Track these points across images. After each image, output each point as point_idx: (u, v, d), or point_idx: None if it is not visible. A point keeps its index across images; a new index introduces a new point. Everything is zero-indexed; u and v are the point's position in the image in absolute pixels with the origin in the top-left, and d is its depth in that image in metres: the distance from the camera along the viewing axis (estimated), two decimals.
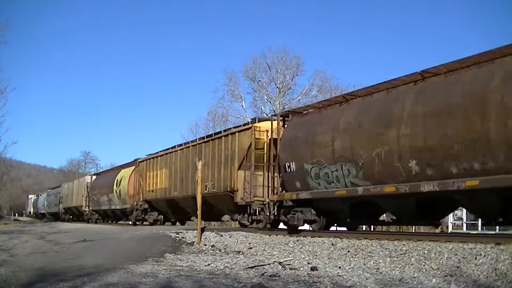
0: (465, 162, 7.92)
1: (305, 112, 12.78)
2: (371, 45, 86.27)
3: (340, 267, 7.59)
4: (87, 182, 32.98)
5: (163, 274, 6.89)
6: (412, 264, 7.37)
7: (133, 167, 24.42)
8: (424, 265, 7.20)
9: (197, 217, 12.71)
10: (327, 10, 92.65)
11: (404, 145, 8.98)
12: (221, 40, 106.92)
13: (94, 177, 33.84)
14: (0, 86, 35.46)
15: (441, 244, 8.04)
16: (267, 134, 13.82)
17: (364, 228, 19.35)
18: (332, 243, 9.86)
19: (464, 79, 8.28)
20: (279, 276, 6.80)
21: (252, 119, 14.61)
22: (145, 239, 12.15)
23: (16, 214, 77.43)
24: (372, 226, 19.63)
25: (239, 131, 14.80)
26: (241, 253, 10.53)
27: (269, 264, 8.11)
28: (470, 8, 77.77)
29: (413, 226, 23.25)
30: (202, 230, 12.57)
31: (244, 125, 15.51)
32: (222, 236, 12.61)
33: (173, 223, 22.19)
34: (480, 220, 17.84)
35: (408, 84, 9.46)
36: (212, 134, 17.34)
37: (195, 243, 11.62)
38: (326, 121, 11.31)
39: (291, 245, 10.49)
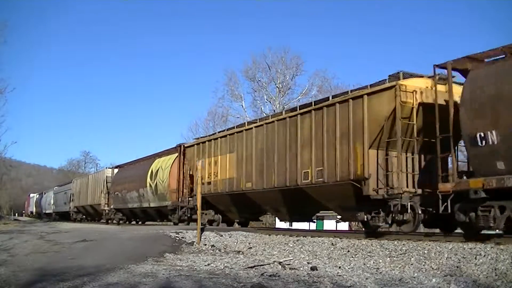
0: None
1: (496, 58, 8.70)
2: (371, 45, 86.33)
3: (340, 267, 7.59)
4: (106, 177, 28.60)
5: (163, 274, 6.89)
6: (412, 264, 7.37)
7: (175, 154, 19.82)
8: (424, 265, 7.20)
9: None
10: (327, 10, 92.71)
11: None
12: (221, 40, 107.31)
13: (115, 170, 28.76)
14: (0, 86, 35.43)
15: (441, 244, 8.05)
16: (414, 97, 9.97)
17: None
18: (332, 243, 9.86)
19: None
20: (279, 276, 6.80)
21: (390, 75, 10.57)
22: (145, 239, 12.14)
23: (16, 214, 77.37)
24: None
25: (369, 94, 10.48)
26: (241, 253, 10.53)
27: (269, 264, 8.11)
28: (471, 7, 77.76)
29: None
30: (202, 230, 12.56)
31: (375, 84, 10.82)
32: (222, 236, 12.61)
33: (230, 224, 17.57)
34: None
35: None
36: (312, 103, 12.61)
37: (195, 243, 11.62)
38: None
39: (291, 245, 10.49)
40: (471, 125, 8.35)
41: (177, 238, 12.18)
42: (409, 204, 9.59)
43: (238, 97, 40.77)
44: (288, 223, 21.08)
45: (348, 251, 9.02)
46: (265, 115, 35.06)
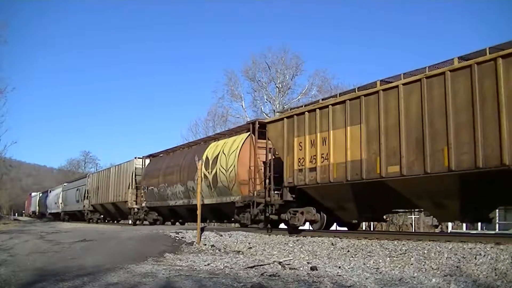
0: None
1: None
2: (371, 45, 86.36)
3: (340, 267, 7.59)
4: (135, 168, 23.74)
5: (163, 274, 6.89)
6: (412, 264, 7.37)
7: (244, 135, 15.23)
8: (424, 265, 7.20)
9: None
10: (327, 10, 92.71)
11: None
12: (221, 40, 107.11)
13: (147, 160, 23.68)
14: (0, 86, 35.42)
15: (441, 244, 8.05)
16: None
17: (364, 228, 19.36)
18: (332, 243, 9.86)
19: None
20: (279, 275, 6.80)
21: None
22: (144, 239, 12.15)
23: (16, 214, 77.38)
24: (372, 226, 19.65)
25: None
26: (240, 252, 10.53)
27: (269, 264, 8.12)
28: (470, 7, 77.76)
29: (413, 226, 23.26)
30: (202, 230, 12.57)
31: None
32: (221, 236, 12.62)
33: (348, 225, 13.68)
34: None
35: None
36: None
37: (194, 243, 11.63)
38: None
39: (291, 245, 10.49)
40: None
41: (177, 238, 12.19)
42: None
43: (238, 97, 40.82)
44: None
45: (348, 251, 9.02)
46: (265, 115, 35.15)
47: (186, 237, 12.37)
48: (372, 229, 20.83)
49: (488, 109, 8.04)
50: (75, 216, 37.84)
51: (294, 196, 12.34)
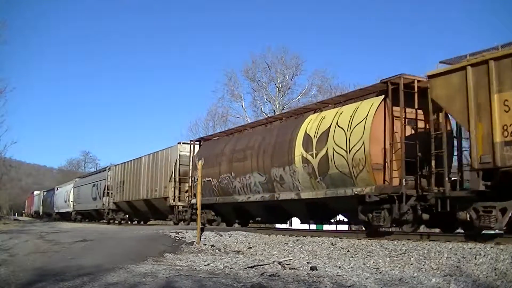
0: None
1: None
2: (371, 45, 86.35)
3: (339, 267, 7.59)
4: (180, 156, 19.09)
5: (163, 274, 6.89)
6: (411, 264, 7.37)
7: (376, 99, 10.90)
8: (423, 265, 7.21)
9: None
10: (327, 10, 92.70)
11: None
12: (221, 40, 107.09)
13: (196, 146, 18.48)
14: (0, 86, 35.36)
15: (441, 244, 8.05)
16: None
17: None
18: (332, 243, 9.86)
19: None
20: (278, 275, 6.80)
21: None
22: (144, 239, 12.14)
23: (16, 214, 77.34)
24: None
25: None
26: (240, 252, 10.53)
27: (269, 264, 8.12)
28: (471, 7, 77.74)
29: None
30: (202, 229, 12.56)
31: None
32: (221, 236, 12.61)
33: None
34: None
35: None
36: None
37: (194, 243, 11.62)
38: None
39: (291, 245, 10.49)
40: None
41: (177, 238, 12.18)
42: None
43: (237, 97, 40.78)
44: None
45: (348, 251, 9.02)
46: (265, 115, 35.10)
47: (186, 237, 12.37)
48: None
49: None
50: (90, 216, 34.19)
51: (489, 183, 8.18)
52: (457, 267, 6.76)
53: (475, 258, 6.85)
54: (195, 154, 18.03)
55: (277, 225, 20.35)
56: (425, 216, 10.17)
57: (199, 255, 10.02)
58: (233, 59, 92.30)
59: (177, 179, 19.20)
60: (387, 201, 10.13)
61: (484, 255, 6.88)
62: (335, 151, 11.23)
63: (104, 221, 30.59)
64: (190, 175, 17.95)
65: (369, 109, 10.77)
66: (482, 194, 8.26)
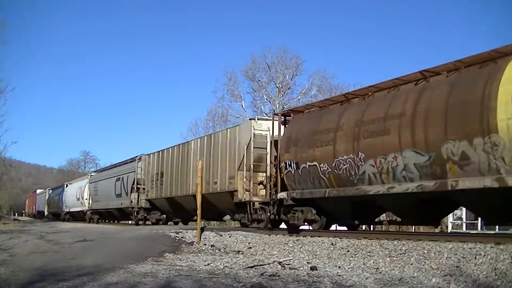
0: None
1: None
2: (371, 45, 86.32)
3: (339, 267, 7.59)
4: (254, 136, 14.48)
5: (163, 274, 6.89)
6: (411, 264, 7.37)
7: None
8: (423, 265, 7.20)
9: None
10: (327, 10, 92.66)
11: None
12: (221, 40, 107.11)
13: (276, 123, 13.65)
14: (0, 86, 35.35)
15: (441, 244, 8.04)
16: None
17: (363, 228, 19.35)
18: (332, 243, 9.86)
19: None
20: (278, 275, 6.80)
21: None
22: (144, 239, 12.15)
23: (16, 214, 77.34)
24: (372, 226, 19.64)
25: None
26: (240, 252, 10.53)
27: (269, 264, 8.12)
28: (471, 7, 77.71)
29: (413, 226, 23.25)
30: (202, 229, 12.56)
31: None
32: (221, 235, 12.61)
33: None
34: (480, 219, 17.83)
35: None
36: None
37: (194, 243, 11.62)
38: None
39: (291, 245, 10.49)
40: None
41: (177, 238, 12.18)
42: None
43: (237, 97, 40.80)
44: None
45: (348, 251, 9.02)
46: (264, 115, 35.10)
47: (186, 237, 12.37)
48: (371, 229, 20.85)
49: None
50: (110, 216, 29.58)
51: None
52: (457, 267, 6.75)
53: (475, 258, 6.85)
54: (284, 131, 13.23)
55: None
56: None
57: (199, 255, 10.02)
58: (233, 59, 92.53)
59: (248, 167, 14.39)
60: None
61: (484, 255, 6.87)
62: None
63: (130, 222, 26.51)
64: (271, 160, 13.62)
65: None
66: None
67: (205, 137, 17.89)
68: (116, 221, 30.23)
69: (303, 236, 11.51)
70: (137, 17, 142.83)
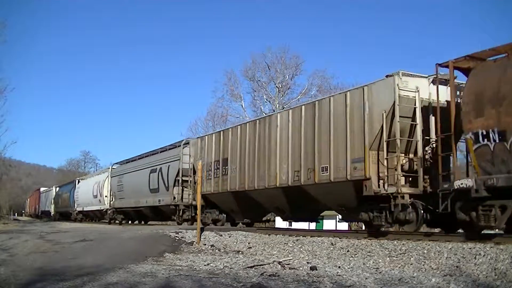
0: None
1: None
2: (371, 45, 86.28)
3: (339, 267, 7.59)
4: (400, 97, 9.87)
5: (163, 274, 6.89)
6: (411, 264, 7.38)
7: None
8: (423, 265, 7.21)
9: None
10: (327, 10, 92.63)
11: None
12: (221, 40, 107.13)
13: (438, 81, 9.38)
14: (0, 86, 35.31)
15: (441, 244, 8.05)
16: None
17: (363, 228, 19.31)
18: (332, 243, 9.86)
19: None
20: (278, 275, 6.80)
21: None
22: (144, 239, 12.15)
23: (16, 214, 77.26)
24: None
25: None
26: (240, 252, 10.53)
27: (269, 264, 8.11)
28: (470, 7, 77.65)
29: None
30: (202, 229, 12.56)
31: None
32: (221, 235, 12.61)
33: None
34: None
35: None
36: None
37: (194, 243, 11.62)
38: None
39: (291, 245, 10.49)
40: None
41: (177, 238, 12.17)
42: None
43: (237, 97, 40.76)
44: None
45: (348, 250, 9.02)
46: (264, 114, 35.08)
47: (186, 237, 12.36)
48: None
49: None
50: (141, 216, 24.43)
51: None
52: (457, 267, 6.76)
53: (475, 258, 6.85)
54: (467, 86, 8.82)
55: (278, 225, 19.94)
56: None
57: (199, 255, 10.02)
58: (233, 59, 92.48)
59: (395, 145, 9.96)
60: None
61: (483, 255, 6.88)
62: None
63: (171, 223, 21.04)
64: (429, 135, 10.01)
65: None
66: None
67: (302, 107, 12.59)
68: (143, 222, 25.43)
69: (303, 236, 11.47)
70: (137, 17, 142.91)
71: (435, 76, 9.56)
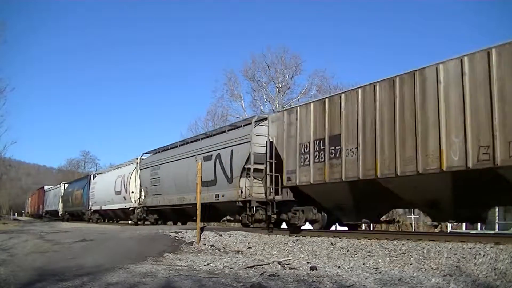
0: None
1: None
2: (371, 45, 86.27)
3: (339, 267, 7.59)
4: None
5: (163, 274, 6.89)
6: (411, 264, 7.38)
7: None
8: (423, 265, 7.21)
9: None
10: (327, 10, 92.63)
11: None
12: (221, 40, 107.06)
13: None
14: (0, 86, 35.28)
15: (441, 244, 8.05)
16: None
17: (363, 228, 19.35)
18: (332, 243, 9.86)
19: None
20: (278, 275, 6.80)
21: None
22: (144, 239, 12.15)
23: (16, 213, 77.28)
24: (371, 226, 19.66)
25: None
26: (240, 252, 10.53)
27: (269, 264, 8.12)
28: (470, 7, 77.62)
29: (413, 226, 23.25)
30: (202, 229, 12.56)
31: None
32: (221, 235, 12.60)
33: None
34: None
35: None
36: None
37: (194, 243, 11.62)
38: None
39: (291, 245, 10.49)
40: None
41: (177, 238, 12.17)
42: None
43: (237, 96, 40.78)
44: None
45: (348, 250, 9.02)
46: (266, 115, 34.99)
47: (186, 237, 12.36)
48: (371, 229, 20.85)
49: None
50: (182, 215, 19.48)
51: None
52: (456, 267, 6.76)
53: (475, 258, 6.85)
54: None
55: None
56: None
57: (199, 255, 10.02)
58: (233, 59, 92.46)
59: None
60: None
61: (483, 255, 6.88)
62: None
63: (234, 224, 18.75)
64: None
65: None
66: None
67: (492, 50, 8.02)
68: (180, 222, 20.36)
69: (302, 236, 11.49)
70: (137, 17, 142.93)
71: None
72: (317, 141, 11.65)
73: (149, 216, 22.02)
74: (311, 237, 11.09)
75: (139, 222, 22.84)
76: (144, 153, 23.71)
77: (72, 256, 9.43)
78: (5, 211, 72.88)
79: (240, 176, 14.33)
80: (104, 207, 28.20)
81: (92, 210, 30.58)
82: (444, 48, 68.51)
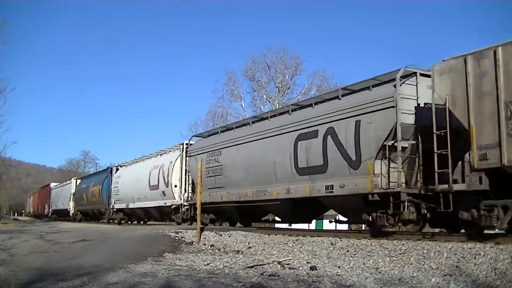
0: None
1: None
2: (370, 44, 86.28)
3: (339, 267, 7.59)
4: None
5: (163, 274, 6.89)
6: (411, 264, 7.38)
7: None
8: (423, 265, 7.20)
9: None
10: (326, 10, 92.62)
11: None
12: (221, 40, 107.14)
13: None
14: (0, 86, 35.24)
15: (441, 244, 8.05)
16: None
17: (363, 228, 19.33)
18: (332, 243, 9.86)
19: None
20: (278, 275, 6.80)
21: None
22: (144, 238, 12.14)
23: (16, 213, 77.26)
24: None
25: None
26: (240, 252, 10.53)
27: (269, 264, 8.12)
28: (469, 7, 77.63)
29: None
30: (202, 229, 12.56)
31: None
32: (221, 235, 12.60)
33: None
34: None
35: None
36: None
37: (194, 243, 11.61)
38: None
39: (291, 245, 10.49)
40: None
41: (177, 238, 12.17)
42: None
43: (237, 96, 40.73)
44: None
45: (348, 250, 9.02)
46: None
47: (186, 237, 12.36)
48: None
49: None
50: (255, 216, 16.09)
51: None
52: (456, 267, 6.76)
53: (475, 258, 6.85)
54: None
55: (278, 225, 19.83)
56: None
57: (199, 255, 10.02)
58: (233, 59, 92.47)
59: None
60: None
61: (483, 255, 6.87)
62: None
63: (362, 228, 15.82)
64: None
65: None
66: None
67: None
68: (251, 222, 16.52)
69: (302, 236, 11.47)
70: (137, 17, 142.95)
71: None
72: None
73: (203, 216, 16.16)
74: (311, 237, 11.08)
75: (184, 222, 18.16)
76: (192, 136, 19.64)
77: (72, 256, 9.43)
78: (5, 211, 72.84)
79: (376, 158, 10.18)
80: (132, 205, 23.59)
81: (114, 209, 26.08)
82: (444, 47, 68.57)
